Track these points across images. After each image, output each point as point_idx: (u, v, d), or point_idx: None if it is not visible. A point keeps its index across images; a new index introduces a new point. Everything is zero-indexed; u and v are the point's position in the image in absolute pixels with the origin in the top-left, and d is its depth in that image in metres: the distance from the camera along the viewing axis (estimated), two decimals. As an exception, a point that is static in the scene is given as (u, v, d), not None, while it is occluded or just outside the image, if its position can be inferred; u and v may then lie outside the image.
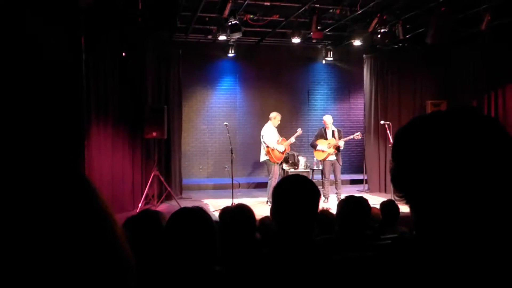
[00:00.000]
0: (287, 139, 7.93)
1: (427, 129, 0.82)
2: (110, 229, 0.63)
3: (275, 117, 7.73)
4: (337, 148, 7.84)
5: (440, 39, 7.05)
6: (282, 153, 7.78)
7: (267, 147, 7.63)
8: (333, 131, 7.93)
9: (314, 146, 8.00)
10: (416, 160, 0.81)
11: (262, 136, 7.69)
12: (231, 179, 7.51)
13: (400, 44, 8.96)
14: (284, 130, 9.14)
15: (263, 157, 7.77)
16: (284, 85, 10.88)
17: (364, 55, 9.58)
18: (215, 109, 10.65)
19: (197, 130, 10.59)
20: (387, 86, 9.42)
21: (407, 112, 8.87)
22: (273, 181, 7.51)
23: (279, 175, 7.82)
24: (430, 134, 0.81)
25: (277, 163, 7.73)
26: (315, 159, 8.64)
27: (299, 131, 8.02)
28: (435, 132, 0.81)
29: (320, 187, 8.55)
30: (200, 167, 10.61)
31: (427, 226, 0.81)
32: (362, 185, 9.74)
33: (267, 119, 7.95)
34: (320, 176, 8.43)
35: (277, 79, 10.75)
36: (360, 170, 10.37)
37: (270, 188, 7.39)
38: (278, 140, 7.79)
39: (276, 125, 7.80)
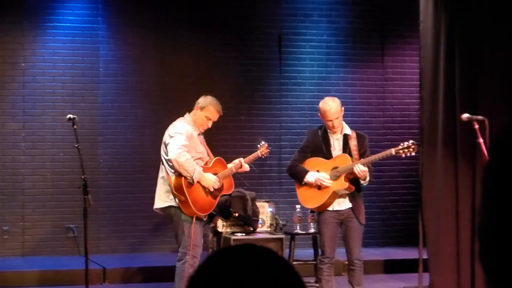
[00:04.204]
0: (228, 163, 8.40)
1: None
2: None
3: (206, 107, 8.11)
4: (355, 180, 7.86)
5: None
6: (214, 193, 8.03)
7: (176, 173, 7.78)
8: (345, 138, 8.16)
9: (298, 175, 8.13)
10: None
11: (166, 144, 7.92)
12: (85, 259, 7.82)
13: None
14: (222, 140, 9.78)
15: (163, 201, 8.04)
16: (222, 25, 11.66)
17: None
18: (47, 84, 11.23)
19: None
20: (477, 33, 9.52)
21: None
22: (189, 262, 7.84)
23: (207, 248, 8.42)
24: None
25: (202, 219, 8.06)
26: (298, 208, 9.11)
27: (263, 147, 8.68)
28: None
29: (309, 280, 8.11)
30: (5, 229, 10.84)
31: None
32: (414, 275, 9.66)
33: (180, 110, 8.24)
34: (312, 251, 8.98)
35: (203, 11, 11.46)
36: (410, 237, 10.71)
37: (180, 283, 7.81)
38: (207, 162, 8.17)
39: (206, 126, 8.23)
